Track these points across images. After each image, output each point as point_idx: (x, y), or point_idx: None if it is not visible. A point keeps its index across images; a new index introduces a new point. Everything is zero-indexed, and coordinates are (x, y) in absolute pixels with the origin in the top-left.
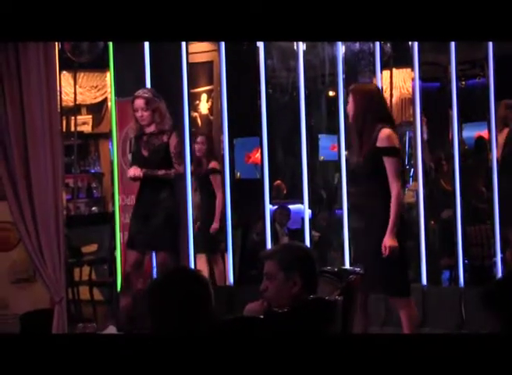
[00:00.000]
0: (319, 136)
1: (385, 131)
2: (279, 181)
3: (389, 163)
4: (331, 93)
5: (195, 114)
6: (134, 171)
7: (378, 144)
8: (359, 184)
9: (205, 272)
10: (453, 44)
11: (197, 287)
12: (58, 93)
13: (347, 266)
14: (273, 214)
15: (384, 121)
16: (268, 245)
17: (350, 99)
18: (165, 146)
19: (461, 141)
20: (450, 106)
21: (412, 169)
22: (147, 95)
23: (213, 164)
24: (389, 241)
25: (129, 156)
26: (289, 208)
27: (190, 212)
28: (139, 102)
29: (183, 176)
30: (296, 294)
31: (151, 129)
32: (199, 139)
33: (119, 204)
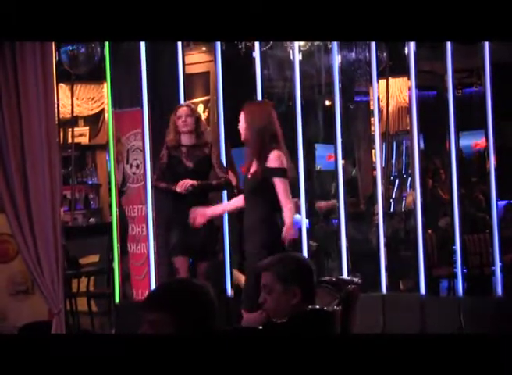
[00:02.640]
0: (316, 145)
1: (275, 152)
2: None
3: (278, 184)
4: (327, 102)
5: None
6: (189, 182)
7: (268, 164)
8: (248, 201)
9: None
10: (449, 52)
11: (199, 299)
12: (56, 105)
13: (345, 275)
14: None
15: (274, 140)
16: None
17: (242, 118)
18: (208, 158)
19: (458, 150)
20: (447, 115)
21: (409, 178)
22: (191, 106)
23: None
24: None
25: (124, 168)
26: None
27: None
28: (184, 109)
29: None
30: (296, 305)
31: (191, 141)
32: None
33: (127, 214)
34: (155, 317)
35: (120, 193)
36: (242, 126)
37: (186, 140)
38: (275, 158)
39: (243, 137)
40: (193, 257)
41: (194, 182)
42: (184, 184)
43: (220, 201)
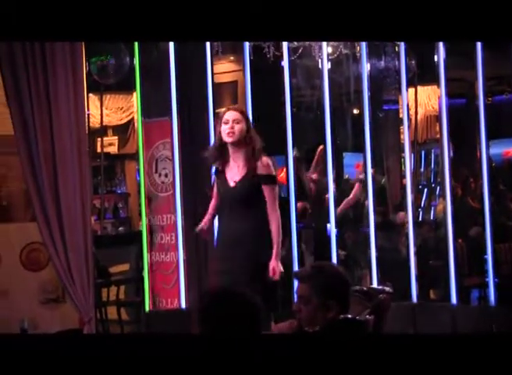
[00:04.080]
0: (344, 154)
1: (266, 159)
2: (303, 202)
3: (268, 191)
4: (355, 111)
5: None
6: None
7: (259, 171)
8: (233, 209)
9: None
10: (480, 59)
11: (243, 309)
12: (86, 115)
13: (375, 284)
14: (299, 233)
15: (256, 147)
16: (295, 264)
17: (242, 119)
18: None
19: (489, 158)
20: (477, 123)
21: (438, 187)
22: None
23: None
24: (277, 265)
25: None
26: (313, 228)
27: None
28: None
29: None
30: (331, 318)
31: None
32: None
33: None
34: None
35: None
36: (239, 129)
37: None
38: (266, 165)
39: (235, 139)
40: None
41: None
42: None
43: None
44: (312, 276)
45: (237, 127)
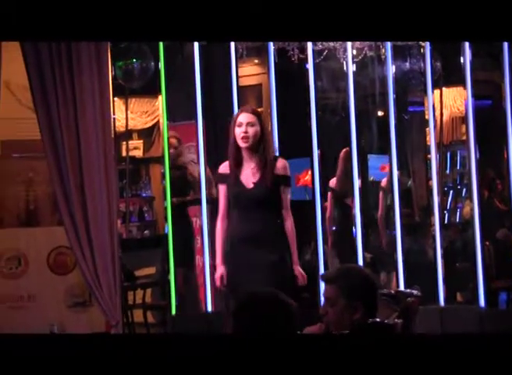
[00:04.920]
0: (368, 156)
1: (283, 161)
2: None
3: (285, 193)
4: (380, 113)
5: None
6: None
7: (277, 172)
8: (249, 211)
9: None
10: (506, 60)
11: (278, 311)
12: (112, 119)
13: (403, 287)
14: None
15: (272, 147)
16: (321, 267)
17: (257, 121)
18: None
19: None
20: (503, 124)
21: (464, 189)
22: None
23: None
24: (300, 273)
25: None
26: (337, 230)
27: None
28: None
29: None
30: (358, 320)
31: None
32: None
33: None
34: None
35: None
36: (254, 130)
37: None
38: (283, 166)
39: (251, 143)
40: None
41: None
42: None
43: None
44: (338, 277)
45: (251, 131)
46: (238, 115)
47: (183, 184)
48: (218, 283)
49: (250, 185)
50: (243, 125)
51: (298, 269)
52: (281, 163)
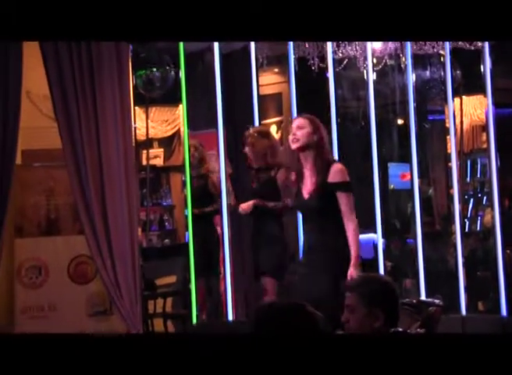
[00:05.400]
0: (388, 164)
1: (338, 166)
2: None
3: (343, 198)
4: (400, 121)
5: None
6: (248, 203)
7: (331, 179)
8: (311, 221)
9: None
10: None
11: (301, 321)
12: (133, 128)
13: (424, 296)
14: None
15: (328, 154)
16: None
17: (308, 124)
18: (273, 180)
19: None
20: None
21: (485, 197)
22: (246, 132)
23: None
24: (355, 274)
25: None
26: None
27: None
28: (244, 138)
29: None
30: (378, 328)
31: (257, 163)
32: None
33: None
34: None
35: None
36: (302, 135)
37: (253, 163)
38: (338, 171)
39: (300, 144)
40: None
41: (251, 202)
42: (244, 205)
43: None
44: (359, 285)
45: (300, 133)
46: (292, 122)
47: (205, 194)
48: None
49: (306, 195)
50: (293, 130)
51: (353, 273)
52: (336, 169)
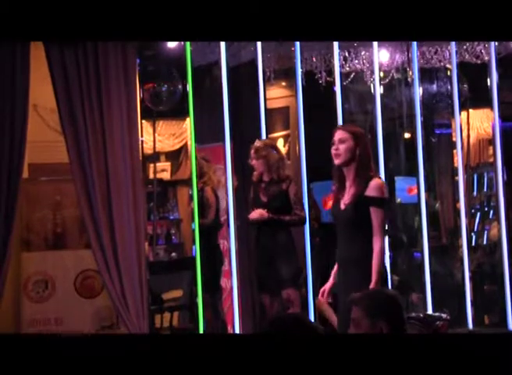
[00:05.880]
0: (395, 178)
1: (377, 181)
2: None
3: (375, 214)
4: (407, 135)
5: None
6: (261, 212)
7: (368, 193)
8: (343, 232)
9: None
10: None
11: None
12: (140, 142)
13: (431, 310)
14: None
15: (370, 168)
16: None
17: (349, 138)
18: (285, 193)
19: None
20: None
21: (491, 211)
22: (257, 145)
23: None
24: None
25: None
26: None
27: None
28: (251, 152)
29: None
30: None
31: (267, 177)
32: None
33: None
34: None
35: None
36: (345, 148)
37: (265, 176)
38: (376, 187)
39: (342, 160)
40: (279, 290)
41: (265, 213)
42: (256, 214)
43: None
44: (363, 298)
45: (342, 147)
46: (333, 133)
47: (202, 207)
48: (319, 295)
49: (343, 206)
50: (335, 143)
51: None
52: (374, 183)
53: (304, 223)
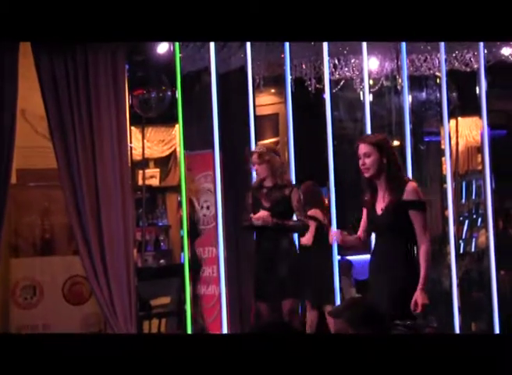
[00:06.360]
0: None
1: (413, 184)
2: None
3: (416, 217)
4: (396, 142)
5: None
6: (263, 214)
7: (406, 197)
8: (381, 238)
9: None
10: None
11: None
12: (129, 148)
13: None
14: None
15: (400, 172)
16: (337, 296)
17: (374, 150)
18: (287, 199)
19: None
20: None
21: (479, 219)
22: (260, 150)
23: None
24: (421, 298)
25: None
26: (349, 260)
27: None
28: (253, 157)
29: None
30: None
31: (269, 183)
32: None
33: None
34: None
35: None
36: (374, 159)
37: (267, 181)
38: (413, 190)
39: (371, 173)
40: (279, 299)
41: (269, 217)
42: (260, 215)
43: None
44: (344, 310)
45: (368, 161)
46: (357, 147)
47: None
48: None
49: (379, 211)
50: (361, 157)
51: (419, 295)
52: (411, 187)
53: (307, 229)
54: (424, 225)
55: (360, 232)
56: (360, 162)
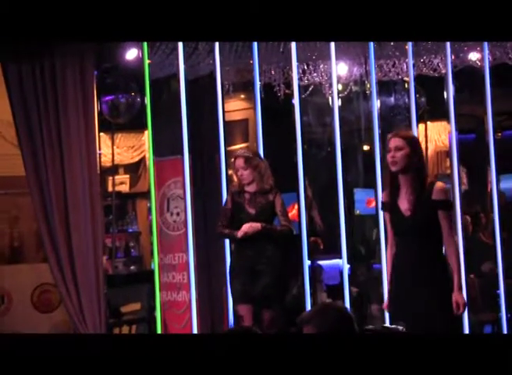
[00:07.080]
0: (354, 190)
1: (441, 184)
2: (315, 237)
3: (445, 218)
4: (366, 147)
5: (231, 172)
6: (251, 225)
7: (434, 196)
8: (409, 239)
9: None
10: (488, 95)
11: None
12: (98, 154)
13: (388, 323)
14: (310, 270)
15: (426, 173)
16: (308, 301)
17: (406, 145)
18: (272, 205)
19: (500, 193)
20: (487, 158)
21: None
22: (246, 154)
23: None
24: (461, 298)
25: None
26: (320, 265)
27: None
28: (239, 162)
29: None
30: None
31: (254, 188)
32: None
33: (158, 263)
34: None
35: None
36: (402, 155)
37: (251, 186)
38: (442, 190)
39: (399, 167)
40: (256, 304)
41: (259, 225)
42: (250, 227)
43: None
44: (313, 317)
45: (399, 155)
46: (389, 140)
47: None
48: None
49: (408, 212)
50: (391, 150)
51: (457, 297)
52: (438, 187)
53: (293, 234)
54: (452, 226)
55: (390, 239)
56: (390, 154)
